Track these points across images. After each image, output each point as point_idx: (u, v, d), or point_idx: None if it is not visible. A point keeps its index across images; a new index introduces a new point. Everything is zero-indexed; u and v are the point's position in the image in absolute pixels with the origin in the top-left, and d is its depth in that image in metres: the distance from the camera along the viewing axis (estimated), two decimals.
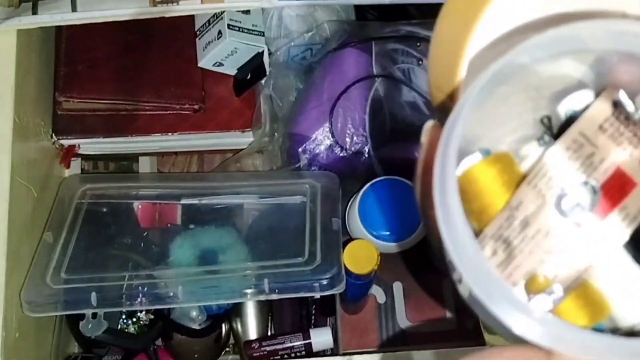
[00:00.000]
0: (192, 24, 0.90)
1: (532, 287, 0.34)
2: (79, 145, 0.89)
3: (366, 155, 0.84)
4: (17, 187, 0.74)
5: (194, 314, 0.81)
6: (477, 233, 0.35)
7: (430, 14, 0.97)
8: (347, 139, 0.83)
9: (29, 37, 0.80)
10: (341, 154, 0.84)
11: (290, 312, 0.87)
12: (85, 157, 0.92)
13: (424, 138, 0.37)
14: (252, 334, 0.86)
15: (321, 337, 0.83)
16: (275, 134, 0.88)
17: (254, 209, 0.87)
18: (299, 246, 0.78)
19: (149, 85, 0.87)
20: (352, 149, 0.84)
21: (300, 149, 0.84)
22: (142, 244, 0.85)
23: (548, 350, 0.32)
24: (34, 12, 0.77)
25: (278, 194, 0.87)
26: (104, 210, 0.87)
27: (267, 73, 0.87)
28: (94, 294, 0.73)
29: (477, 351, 0.37)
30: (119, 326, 0.84)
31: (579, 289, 0.33)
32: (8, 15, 0.77)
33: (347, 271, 0.75)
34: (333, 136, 0.83)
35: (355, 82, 0.84)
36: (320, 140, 0.84)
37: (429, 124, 0.37)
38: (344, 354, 0.75)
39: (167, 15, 0.78)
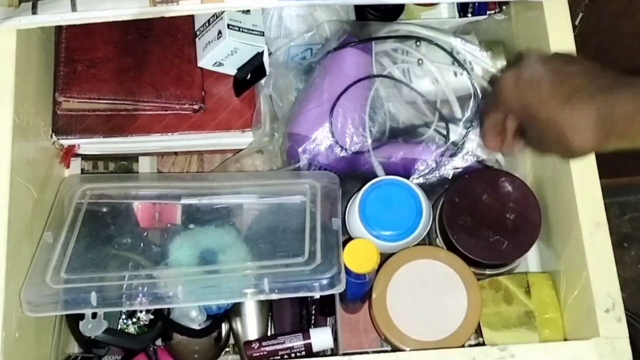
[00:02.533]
0: (192, 24, 0.90)
1: None
2: (78, 145, 0.89)
3: (366, 156, 0.84)
4: (16, 187, 0.74)
5: (193, 314, 0.81)
6: None
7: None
8: (347, 139, 0.83)
9: (29, 37, 0.80)
10: (341, 154, 0.84)
11: (290, 312, 0.87)
12: (85, 157, 0.92)
13: None
14: (252, 334, 0.86)
15: (321, 337, 0.82)
16: (275, 134, 0.88)
17: (253, 209, 0.87)
18: (299, 246, 0.78)
19: (149, 85, 0.87)
20: (352, 149, 0.84)
21: (300, 149, 0.84)
22: (142, 244, 0.85)
23: None
24: (34, 12, 0.77)
25: (278, 194, 0.87)
26: (104, 210, 0.87)
27: (267, 73, 0.87)
28: (93, 294, 0.73)
29: None
30: (119, 326, 0.84)
31: None
32: (8, 15, 0.78)
33: (347, 270, 0.75)
34: (333, 136, 0.83)
35: (355, 82, 0.84)
36: (320, 140, 0.84)
37: None
38: (344, 354, 0.75)
39: (167, 15, 0.78)
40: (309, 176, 0.85)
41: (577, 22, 1.03)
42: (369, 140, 0.84)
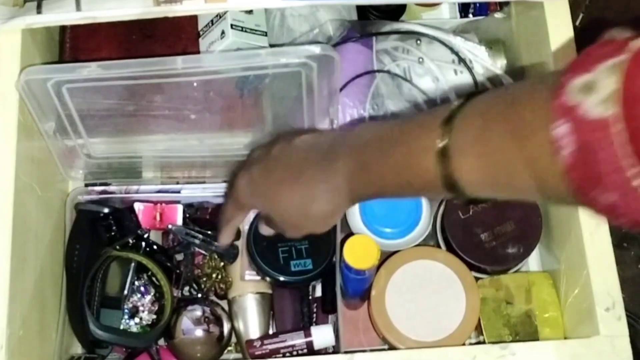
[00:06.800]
0: (195, 24, 0.90)
1: None
2: (82, 145, 0.89)
3: None
4: (21, 185, 0.75)
5: None
6: None
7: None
8: None
9: (34, 37, 0.81)
10: None
11: (292, 310, 0.87)
12: (89, 158, 0.92)
13: None
14: (254, 332, 0.87)
15: (322, 335, 0.83)
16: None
17: None
18: None
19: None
20: None
21: None
22: (142, 244, 0.86)
23: None
24: (39, 12, 0.77)
25: None
26: (105, 210, 0.87)
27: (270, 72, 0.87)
28: None
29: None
30: (122, 326, 0.85)
31: None
32: (13, 14, 0.78)
33: (348, 266, 0.75)
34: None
35: (353, 77, 0.85)
36: None
37: None
38: (346, 352, 0.75)
39: (170, 15, 0.78)
40: None
41: (577, 23, 1.03)
42: None
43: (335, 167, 0.60)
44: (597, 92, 0.41)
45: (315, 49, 0.73)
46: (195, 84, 0.81)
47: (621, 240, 1.39)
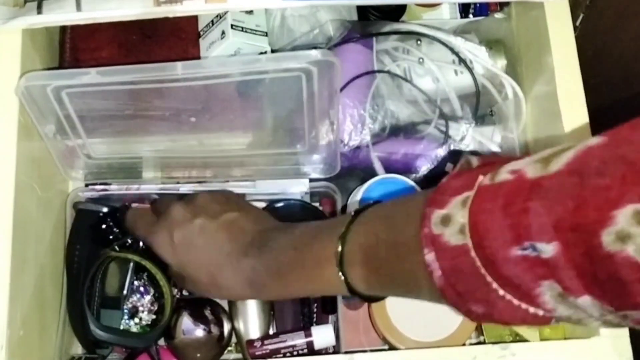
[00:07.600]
0: (195, 24, 0.90)
1: None
2: (82, 145, 0.89)
3: (365, 152, 0.84)
4: (21, 185, 0.75)
5: None
6: None
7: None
8: (346, 136, 0.84)
9: (34, 37, 0.81)
10: (340, 151, 0.84)
11: (292, 311, 0.87)
12: (89, 158, 0.92)
13: None
14: (254, 332, 0.87)
15: (323, 335, 0.83)
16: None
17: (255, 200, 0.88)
18: None
19: None
20: (351, 144, 0.84)
21: (299, 145, 0.85)
22: (141, 244, 0.86)
23: None
24: (39, 12, 0.77)
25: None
26: (105, 210, 0.87)
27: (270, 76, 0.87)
28: None
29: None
30: (122, 326, 0.85)
31: None
32: (13, 15, 0.78)
33: None
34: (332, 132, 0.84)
35: (353, 78, 0.85)
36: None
37: None
38: (346, 353, 0.76)
39: (170, 15, 0.78)
40: None
41: (578, 23, 1.03)
42: (368, 137, 0.84)
43: (252, 265, 0.67)
44: (453, 225, 0.48)
45: (316, 54, 0.73)
46: (195, 88, 0.81)
47: None
